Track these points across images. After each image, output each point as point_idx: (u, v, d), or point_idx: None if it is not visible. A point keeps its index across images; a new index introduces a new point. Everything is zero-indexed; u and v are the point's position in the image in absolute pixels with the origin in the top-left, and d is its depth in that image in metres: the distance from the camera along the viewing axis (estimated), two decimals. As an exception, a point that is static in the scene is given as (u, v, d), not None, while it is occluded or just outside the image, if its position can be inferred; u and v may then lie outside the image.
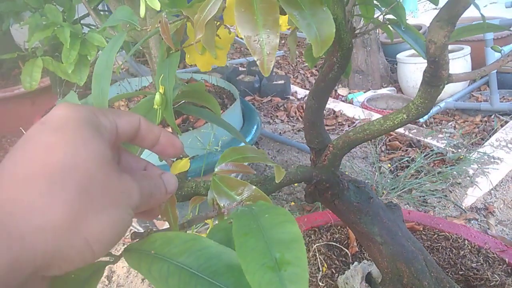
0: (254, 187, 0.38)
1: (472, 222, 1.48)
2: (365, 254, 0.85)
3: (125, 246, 0.32)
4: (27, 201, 0.23)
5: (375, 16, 0.70)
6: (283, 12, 0.39)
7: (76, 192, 0.24)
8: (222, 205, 0.38)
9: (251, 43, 0.34)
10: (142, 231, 0.33)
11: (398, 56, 2.66)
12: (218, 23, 0.51)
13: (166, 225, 1.39)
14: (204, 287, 0.27)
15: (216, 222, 0.41)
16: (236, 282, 0.27)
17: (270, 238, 0.27)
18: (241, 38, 0.35)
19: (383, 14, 0.68)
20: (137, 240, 0.33)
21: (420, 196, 1.60)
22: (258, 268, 0.25)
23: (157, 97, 0.50)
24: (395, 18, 0.66)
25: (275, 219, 0.29)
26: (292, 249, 0.26)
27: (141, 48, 1.53)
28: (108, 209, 0.25)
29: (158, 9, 0.43)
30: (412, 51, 2.71)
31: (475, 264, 0.78)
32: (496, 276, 0.74)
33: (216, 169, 0.41)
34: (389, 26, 0.70)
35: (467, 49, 2.45)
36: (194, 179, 0.55)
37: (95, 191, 0.25)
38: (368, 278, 0.72)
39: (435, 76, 0.50)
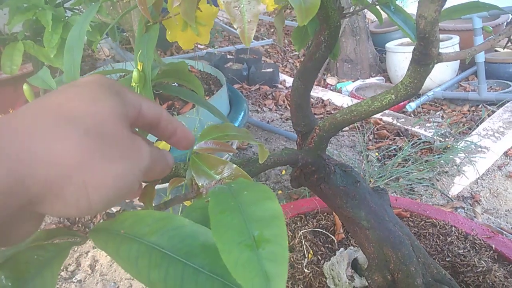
0: (234, 165, 0.36)
1: (458, 210, 1.48)
2: (351, 241, 0.84)
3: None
4: (37, 135, 0.23)
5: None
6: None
7: (85, 136, 0.24)
8: (200, 184, 0.36)
9: (231, 9, 0.32)
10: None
11: (387, 45, 2.64)
12: (200, -5, 0.48)
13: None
14: (177, 268, 0.25)
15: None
16: (212, 263, 0.26)
17: (248, 216, 0.25)
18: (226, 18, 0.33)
19: (372, -6, 0.66)
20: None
21: (407, 185, 1.59)
22: (235, 247, 0.23)
23: (135, 73, 0.48)
24: (385, -1, 0.64)
25: (255, 195, 0.27)
26: (272, 226, 0.24)
27: (126, 34, 1.49)
28: (115, 161, 0.25)
29: (134, -24, 0.41)
30: (401, 40, 2.70)
31: (462, 251, 0.77)
32: (482, 262, 0.73)
33: (195, 147, 0.39)
34: (378, 7, 0.68)
35: (456, 38, 2.45)
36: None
37: (103, 141, 0.25)
38: (354, 264, 0.70)
39: (425, 54, 0.48)
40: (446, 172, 1.67)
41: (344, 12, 0.64)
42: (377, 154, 1.83)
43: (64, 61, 0.42)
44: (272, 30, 3.78)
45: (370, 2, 0.66)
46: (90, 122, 0.25)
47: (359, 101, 2.32)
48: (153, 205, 0.36)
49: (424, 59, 0.48)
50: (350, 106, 0.56)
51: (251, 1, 0.32)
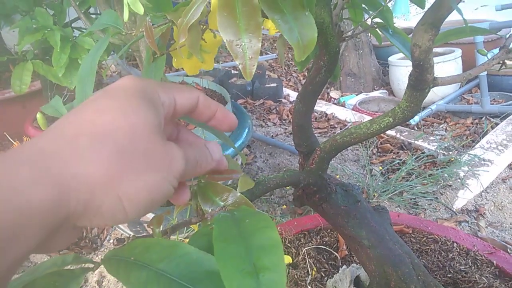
0: (239, 193, 0.38)
1: (462, 224, 1.49)
2: (354, 257, 0.85)
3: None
4: (69, 152, 0.24)
5: (364, 19, 0.70)
6: (266, 16, 0.39)
7: (115, 152, 0.25)
8: (205, 209, 0.38)
9: (233, 47, 0.34)
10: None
11: (389, 59, 2.67)
12: (204, 26, 0.51)
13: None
14: (184, 293, 0.27)
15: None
16: (216, 289, 0.27)
17: (250, 244, 0.27)
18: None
19: (371, 18, 0.68)
20: (119, 246, 0.32)
21: (411, 199, 1.60)
22: (237, 274, 0.25)
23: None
24: (383, 22, 0.66)
25: (256, 224, 0.29)
26: (271, 254, 0.26)
27: (131, 50, 1.52)
28: (146, 173, 0.26)
29: (142, 13, 0.43)
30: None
31: (463, 267, 0.78)
32: (484, 278, 0.74)
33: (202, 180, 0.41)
34: (377, 29, 0.70)
35: (458, 51, 2.47)
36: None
37: (134, 155, 0.26)
38: (357, 281, 0.72)
39: (420, 80, 0.50)
40: (450, 185, 1.67)
41: (343, 36, 0.67)
42: (380, 168, 1.84)
43: (76, 91, 0.45)
44: (275, 45, 3.82)
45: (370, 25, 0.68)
46: (121, 138, 0.26)
47: (361, 114, 2.34)
48: (160, 229, 0.38)
49: (419, 84, 0.50)
50: (350, 128, 0.57)
51: (252, 40, 0.34)
